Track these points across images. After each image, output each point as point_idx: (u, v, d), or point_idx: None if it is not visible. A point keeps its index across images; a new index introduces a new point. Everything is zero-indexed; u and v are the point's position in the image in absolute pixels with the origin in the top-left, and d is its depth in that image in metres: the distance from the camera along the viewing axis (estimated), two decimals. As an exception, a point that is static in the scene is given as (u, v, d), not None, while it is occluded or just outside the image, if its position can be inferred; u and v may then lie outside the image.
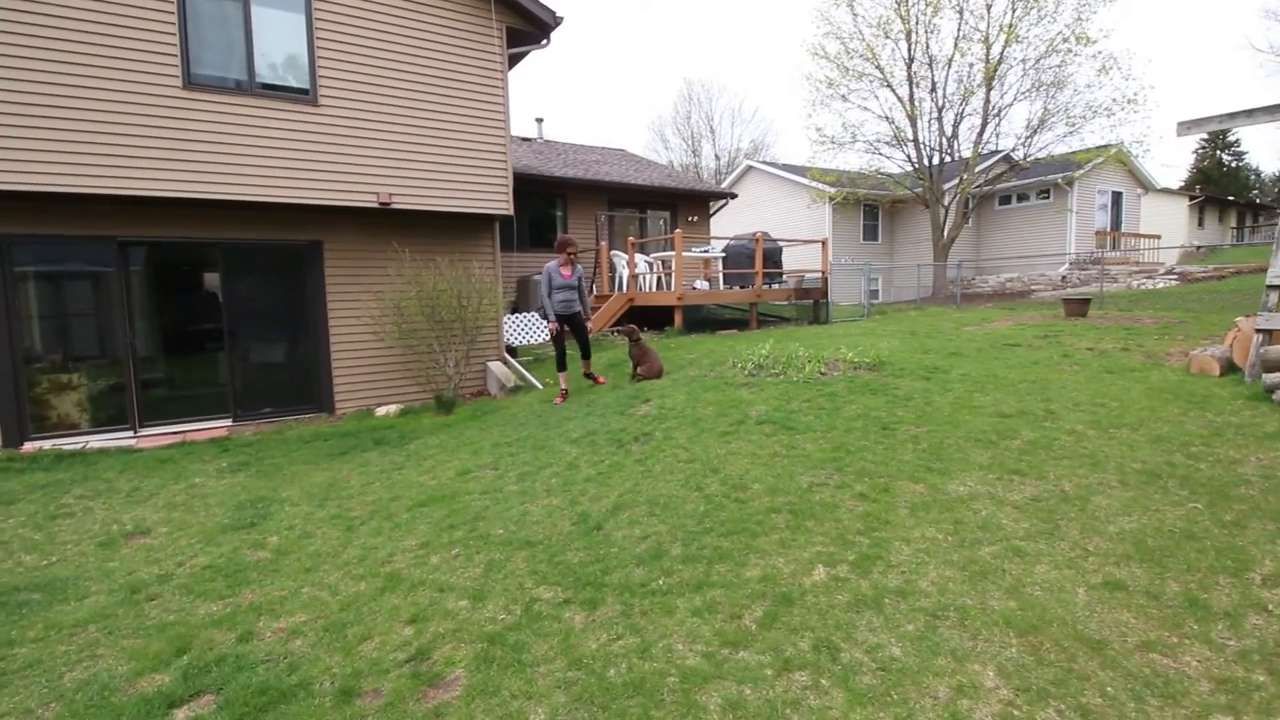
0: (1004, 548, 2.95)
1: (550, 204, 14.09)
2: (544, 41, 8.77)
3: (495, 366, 8.93)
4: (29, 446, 6.50)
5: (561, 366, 7.45)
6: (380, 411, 7.93)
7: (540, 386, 8.41)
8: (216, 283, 7.59)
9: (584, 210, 14.19)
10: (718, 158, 38.60)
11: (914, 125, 17.09)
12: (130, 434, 7.01)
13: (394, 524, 4.05)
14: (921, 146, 17.27)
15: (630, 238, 11.91)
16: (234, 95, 7.03)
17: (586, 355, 7.71)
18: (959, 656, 2.25)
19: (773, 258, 13.16)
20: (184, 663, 2.60)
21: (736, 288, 12.86)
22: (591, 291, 13.24)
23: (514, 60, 9.09)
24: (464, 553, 3.52)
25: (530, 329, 12.32)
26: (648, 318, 11.67)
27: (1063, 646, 2.28)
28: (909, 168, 17.70)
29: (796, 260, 17.32)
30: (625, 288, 11.89)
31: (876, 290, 20.89)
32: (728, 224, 21.89)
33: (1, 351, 6.50)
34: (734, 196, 17.67)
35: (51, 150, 6.21)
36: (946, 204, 17.38)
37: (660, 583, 2.95)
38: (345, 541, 3.83)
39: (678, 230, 11.34)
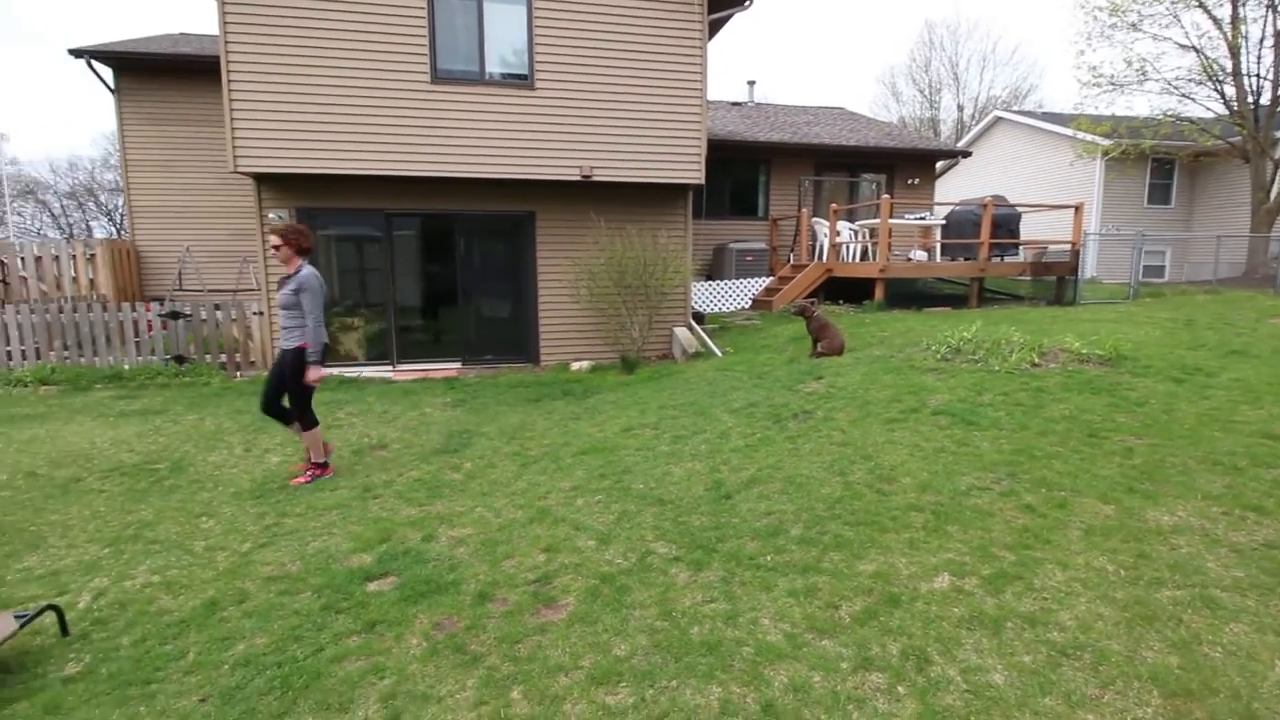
0: (1193, 595, 2.43)
1: (753, 170, 13.89)
2: (745, 2, 8.59)
3: (680, 332, 9.27)
4: (324, 371, 8.50)
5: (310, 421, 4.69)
6: (574, 366, 8.79)
7: (720, 354, 8.56)
8: (456, 247, 8.99)
9: (788, 175, 13.74)
10: (960, 108, 33.99)
11: (1235, 56, 13.29)
12: (389, 368, 8.76)
13: (557, 466, 4.60)
14: (1245, 82, 13.40)
15: (833, 204, 11.29)
16: (470, 86, 8.14)
17: (294, 414, 4.65)
18: (1073, 702, 1.98)
19: (1006, 225, 11.47)
20: (382, 549, 3.34)
21: (962, 259, 11.50)
22: (788, 260, 12.90)
23: (715, 28, 9.05)
24: (605, 500, 3.89)
25: (723, 297, 12.46)
26: (847, 290, 11.06)
27: (1230, 723, 1.87)
28: (1223, 111, 13.89)
29: (1043, 228, 14.83)
30: (825, 257, 11.37)
31: (1162, 267, 16.98)
32: (964, 186, 19.41)
33: (311, 297, 8.55)
34: (966, 155, 15.60)
35: (339, 141, 7.87)
36: (1278, 157, 13.37)
37: (768, 559, 2.99)
38: (517, 475, 4.46)
39: (885, 196, 10.45)
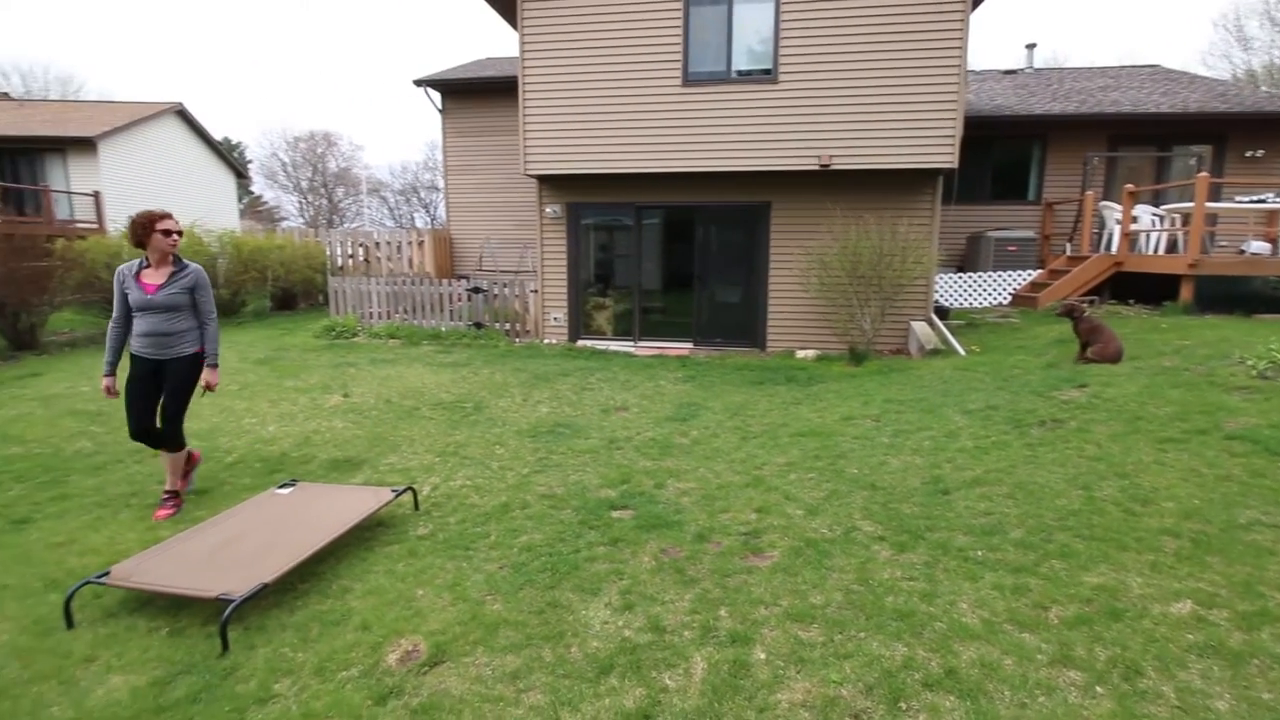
0: None
1: (1024, 147, 12.29)
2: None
3: (918, 326, 8.82)
4: (580, 343, 9.91)
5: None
6: (799, 354, 8.94)
7: (963, 353, 7.99)
8: (694, 237, 9.71)
9: (1070, 152, 11.88)
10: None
11: None
12: (632, 344, 9.87)
13: (775, 443, 4.94)
14: None
15: (1128, 185, 9.57)
16: (716, 85, 8.69)
17: (169, 436, 3.76)
18: (1324, 749, 1.77)
19: (1406, 209, 8.60)
20: (623, 488, 4.06)
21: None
22: (1063, 251, 11.24)
23: (981, -3, 8.29)
24: (817, 478, 4.15)
25: (975, 290, 11.40)
26: (1141, 288, 9.37)
27: None
28: None
29: None
30: (1114, 248, 9.74)
31: None
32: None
33: (571, 281, 10.00)
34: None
35: (604, 145, 9.04)
36: None
37: (978, 554, 3.00)
38: (737, 446, 4.91)
39: (1201, 174, 8.52)
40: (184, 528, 3.46)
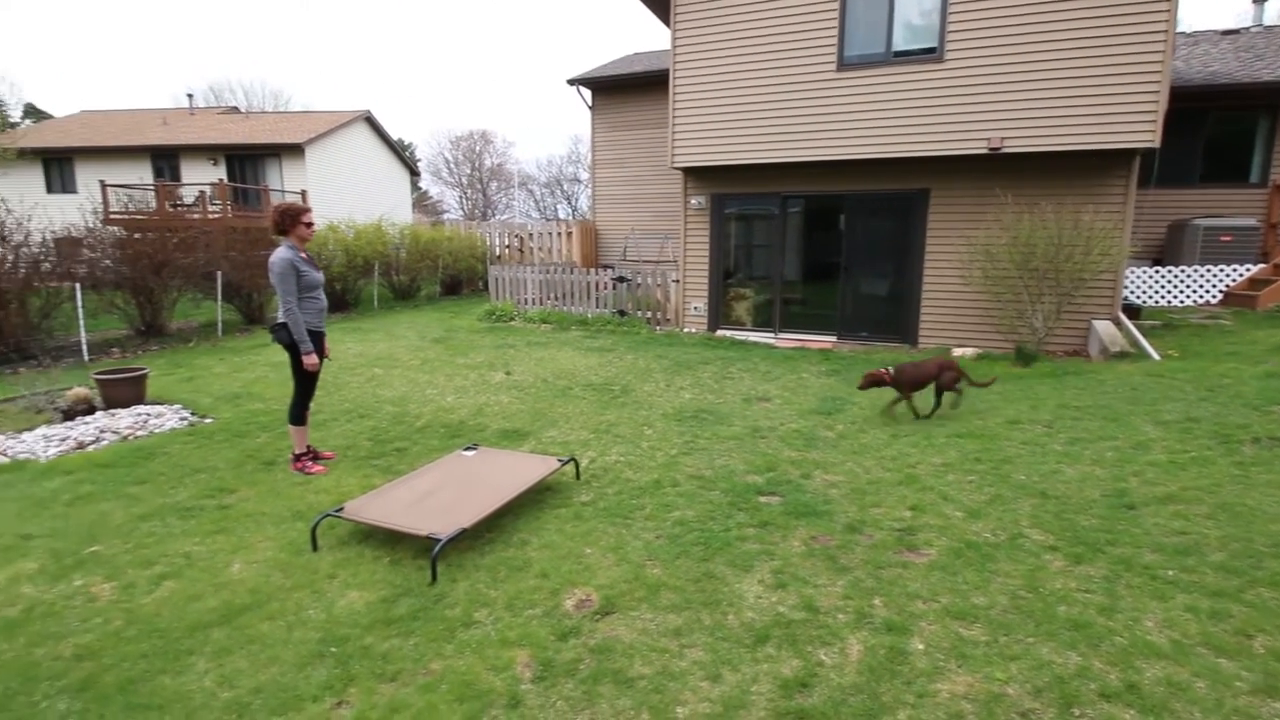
0: None
1: (1246, 121, 10.48)
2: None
3: (1101, 326, 7.93)
4: (719, 332, 10.03)
5: (301, 418, 4.41)
6: (957, 352, 8.39)
7: (1156, 357, 7.09)
8: (840, 226, 9.42)
9: (1316, 125, 9.95)
10: None
11: None
12: (772, 336, 9.81)
13: (929, 443, 4.77)
14: None
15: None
16: (873, 68, 8.32)
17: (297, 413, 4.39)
18: None
19: None
20: (769, 475, 4.16)
21: None
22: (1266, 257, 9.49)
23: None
24: (978, 482, 3.97)
25: (1176, 286, 10.01)
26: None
27: None
28: None
29: None
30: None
31: None
32: None
33: (712, 271, 10.12)
34: None
35: (752, 136, 9.01)
36: None
37: (1169, 573, 2.76)
38: (886, 444, 4.80)
39: None
40: (391, 478, 4.08)
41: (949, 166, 8.43)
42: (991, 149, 7.78)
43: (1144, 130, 7.19)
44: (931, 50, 8.07)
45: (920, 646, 2.38)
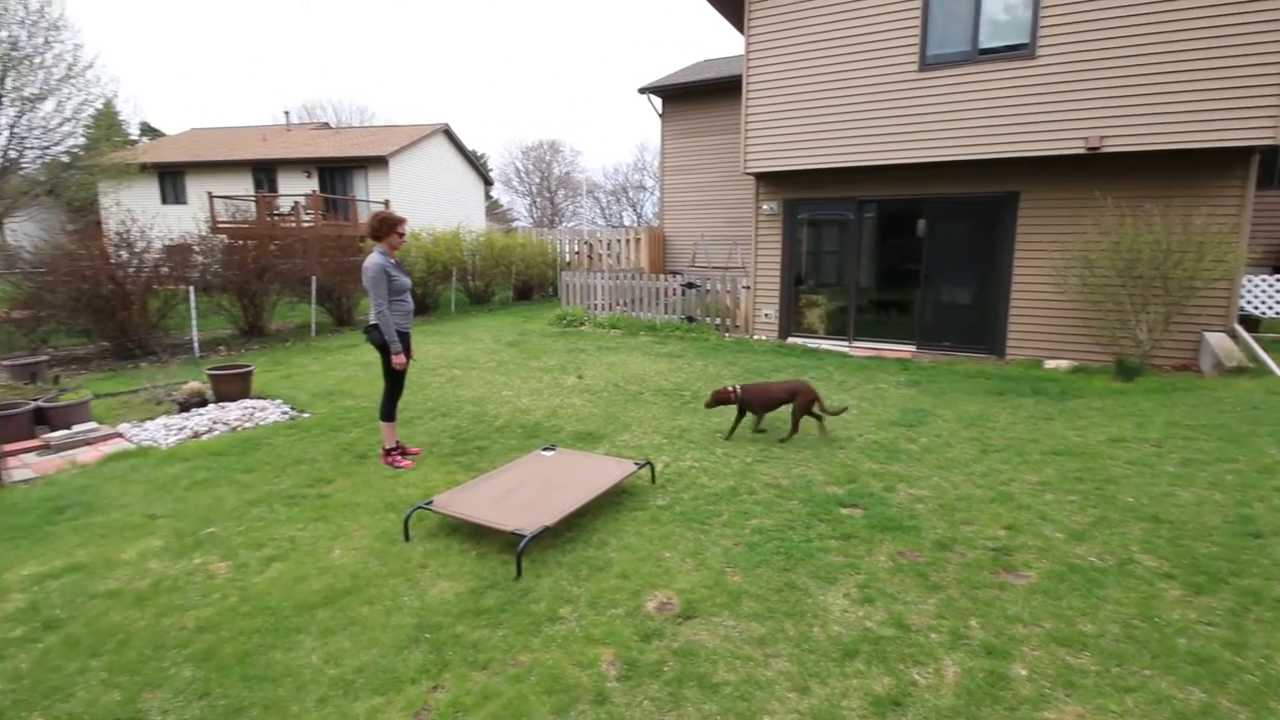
0: None
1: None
2: None
3: (1215, 339, 7.31)
4: (790, 340, 9.85)
5: (391, 415, 4.64)
6: (1049, 364, 7.92)
7: (1279, 373, 6.47)
8: (919, 231, 9.08)
9: None
10: None
11: None
12: (846, 344, 9.55)
13: (1023, 459, 4.52)
14: None
15: None
16: (957, 67, 8.00)
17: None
18: None
19: None
20: (850, 487, 4.04)
21: None
22: None
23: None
24: (1080, 503, 3.73)
25: (1299, 297, 9.06)
26: None
27: None
28: None
29: None
30: None
31: None
32: None
33: (784, 278, 9.96)
34: None
35: (827, 139, 8.83)
36: None
37: (1311, 610, 2.49)
38: (975, 459, 4.58)
39: None
40: (474, 475, 4.23)
41: (1040, 168, 8.00)
42: (1090, 149, 7.32)
43: (1264, 126, 6.59)
44: (1021, 46, 7.69)
45: (1023, 672, 2.25)
